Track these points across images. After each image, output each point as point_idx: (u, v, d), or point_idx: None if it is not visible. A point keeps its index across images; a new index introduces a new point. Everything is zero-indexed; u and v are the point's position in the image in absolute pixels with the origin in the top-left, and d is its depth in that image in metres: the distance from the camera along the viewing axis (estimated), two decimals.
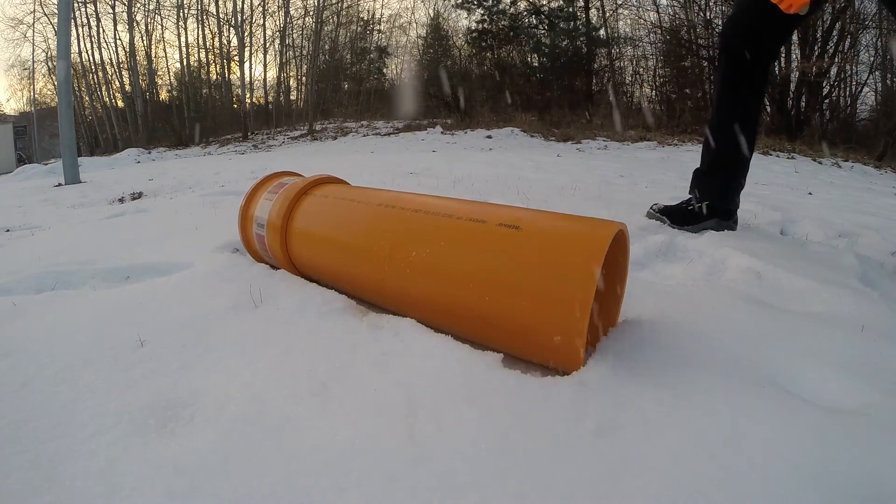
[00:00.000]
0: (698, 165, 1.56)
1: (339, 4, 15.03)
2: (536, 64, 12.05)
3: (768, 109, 9.17)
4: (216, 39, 14.94)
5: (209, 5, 14.80)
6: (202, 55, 15.29)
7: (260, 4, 14.30)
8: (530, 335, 0.68)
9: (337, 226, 0.96)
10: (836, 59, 10.06)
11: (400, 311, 0.85)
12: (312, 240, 1.00)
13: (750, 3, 1.36)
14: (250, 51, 14.59)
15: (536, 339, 0.67)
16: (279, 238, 1.02)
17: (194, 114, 13.47)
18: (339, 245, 0.94)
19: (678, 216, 1.51)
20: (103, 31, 14.77)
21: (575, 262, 0.64)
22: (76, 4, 12.93)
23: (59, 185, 4.23)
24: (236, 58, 13.98)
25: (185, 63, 14.84)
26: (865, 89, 11.32)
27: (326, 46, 15.50)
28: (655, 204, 1.62)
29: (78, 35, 13.91)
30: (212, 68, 15.53)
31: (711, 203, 1.48)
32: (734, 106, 1.45)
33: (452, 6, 12.55)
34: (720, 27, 10.18)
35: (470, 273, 0.72)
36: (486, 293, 0.70)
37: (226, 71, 14.94)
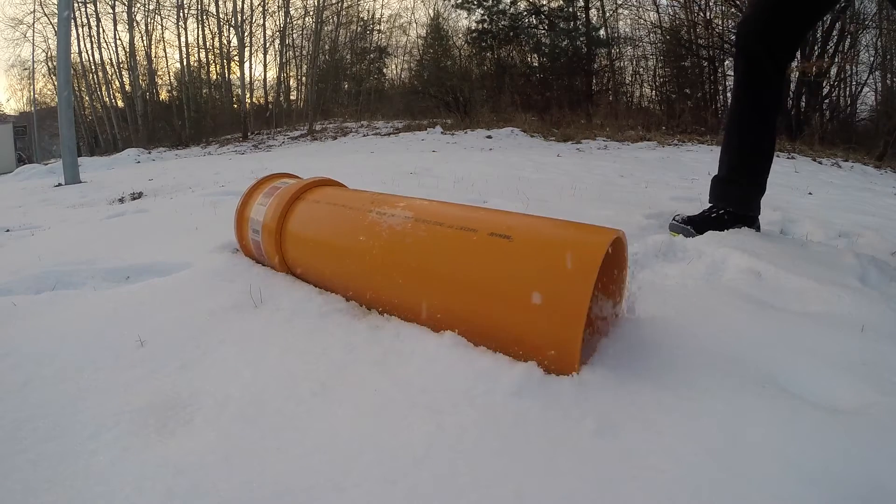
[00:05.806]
0: (716, 172, 1.52)
1: (339, 4, 15.02)
2: (536, 64, 12.05)
3: None
4: (216, 39, 14.93)
5: (209, 5, 14.77)
6: (202, 55, 15.29)
7: (260, 4, 14.29)
8: (525, 347, 0.67)
9: (330, 235, 0.95)
10: (836, 59, 10.06)
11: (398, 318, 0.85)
12: (306, 250, 1.00)
13: (765, 1, 1.34)
14: (250, 51, 14.59)
15: (531, 350, 0.67)
16: (275, 244, 1.02)
17: (194, 114, 13.46)
18: (333, 253, 0.94)
19: (703, 225, 1.46)
20: (103, 31, 14.77)
21: (568, 275, 0.63)
22: (76, 4, 12.93)
23: (59, 185, 4.22)
24: (236, 58, 13.97)
25: (185, 63, 14.83)
26: (865, 89, 11.32)
27: (326, 46, 15.49)
28: (678, 215, 1.55)
29: (78, 35, 13.91)
30: (212, 68, 15.53)
31: (733, 210, 1.46)
32: (752, 108, 1.41)
33: (452, 6, 12.56)
34: (717, 27, 10.34)
35: (462, 285, 0.72)
36: (478, 305, 0.70)
37: (226, 71, 14.93)
